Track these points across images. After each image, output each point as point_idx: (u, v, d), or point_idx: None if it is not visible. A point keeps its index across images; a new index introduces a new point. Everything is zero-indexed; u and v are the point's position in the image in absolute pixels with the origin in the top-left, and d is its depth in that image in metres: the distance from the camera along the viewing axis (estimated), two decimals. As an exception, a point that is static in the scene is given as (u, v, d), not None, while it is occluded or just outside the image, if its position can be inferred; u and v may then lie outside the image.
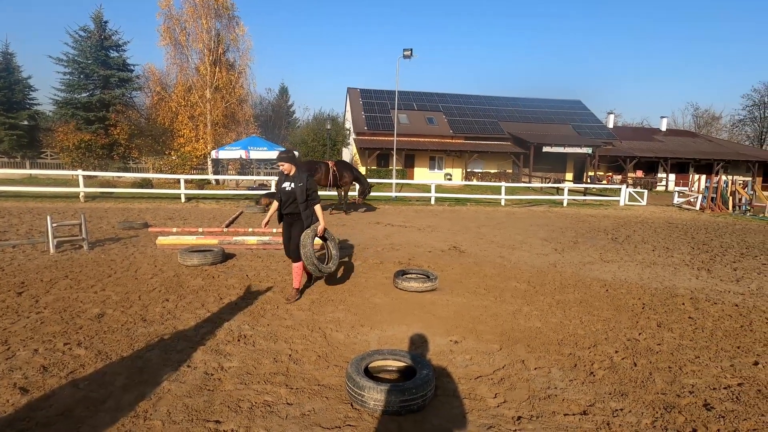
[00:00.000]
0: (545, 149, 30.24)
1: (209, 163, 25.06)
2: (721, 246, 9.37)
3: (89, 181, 17.31)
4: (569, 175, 33.87)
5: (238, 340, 3.75)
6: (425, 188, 22.54)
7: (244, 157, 19.37)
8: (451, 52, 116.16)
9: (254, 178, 21.63)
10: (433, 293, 5.23)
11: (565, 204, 18.42)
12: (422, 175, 31.66)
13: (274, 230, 9.23)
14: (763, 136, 55.55)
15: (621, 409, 2.82)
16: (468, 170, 31.81)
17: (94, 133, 26.65)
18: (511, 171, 32.18)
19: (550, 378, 3.24)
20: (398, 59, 21.97)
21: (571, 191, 21.26)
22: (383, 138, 30.37)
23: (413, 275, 5.63)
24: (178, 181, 15.80)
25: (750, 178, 29.60)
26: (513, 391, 3.04)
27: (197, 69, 24.71)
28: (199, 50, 24.45)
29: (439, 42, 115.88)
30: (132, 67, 30.74)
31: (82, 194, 14.55)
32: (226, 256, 6.64)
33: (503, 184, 18.65)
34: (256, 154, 18.99)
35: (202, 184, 21.12)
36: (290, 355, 3.49)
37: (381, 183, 23.44)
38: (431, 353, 3.63)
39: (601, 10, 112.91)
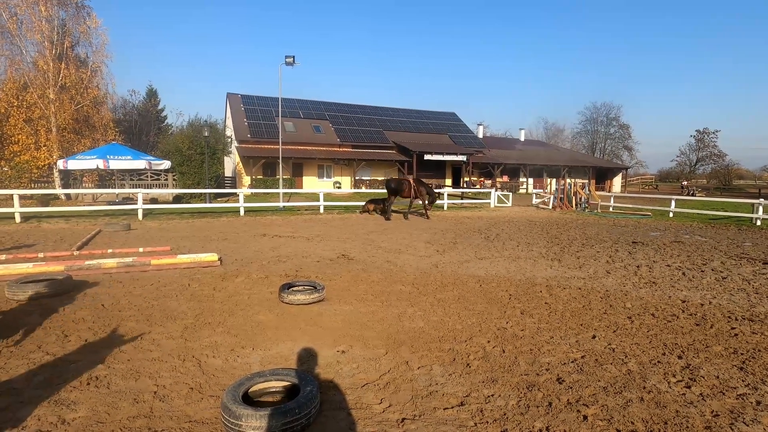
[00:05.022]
0: (426, 157, 32.38)
1: (56, 175, 21.25)
2: (568, 239, 11.05)
3: None
4: (448, 181, 36.78)
5: (88, 384, 3.17)
6: (314, 197, 22.30)
7: (101, 167, 16.83)
8: (335, 60, 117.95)
9: (116, 191, 18.92)
10: (320, 304, 5.13)
11: (445, 208, 19.89)
12: (311, 184, 31.30)
13: (141, 249, 8.18)
14: (594, 146, 67.72)
15: (492, 395, 3.07)
16: (357, 178, 32.42)
17: None
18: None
19: (432, 375, 3.39)
20: (280, 66, 21.43)
21: (450, 196, 23.05)
22: (268, 146, 29.29)
23: (300, 287, 5.45)
24: (11, 197, 13.03)
25: (587, 181, 35.65)
26: (398, 393, 3.10)
27: (35, 63, 20.79)
28: (38, 42, 20.60)
29: (322, 49, 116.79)
30: (-61, 57, 24.61)
31: None
32: (75, 285, 5.62)
33: (389, 190, 19.38)
34: (118, 163, 16.65)
35: (47, 200, 17.80)
36: (155, 392, 3.06)
37: (268, 193, 22.54)
38: (318, 367, 3.53)
39: (470, 38, 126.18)
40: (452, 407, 2.91)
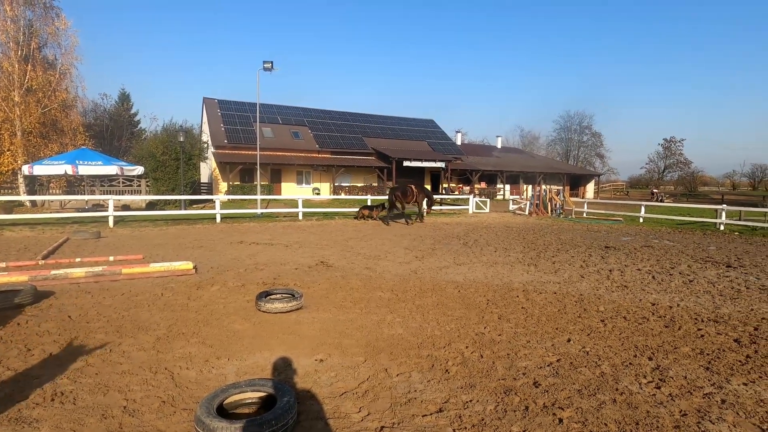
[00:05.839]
0: (405, 163, 32.58)
1: (21, 180, 20.38)
2: (544, 244, 11.28)
3: None
4: (427, 187, 37.05)
5: (52, 400, 3.02)
6: (293, 203, 22.09)
7: (70, 172, 16.23)
8: (314, 66, 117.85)
9: (86, 197, 18.27)
10: (298, 312, 5.06)
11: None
12: (290, 190, 31.01)
13: (111, 258, 7.91)
14: (568, 153, 69.62)
15: (470, 401, 3.09)
16: (336, 184, 32.30)
17: None
18: (376, 184, 33.75)
19: (411, 382, 3.38)
20: (258, 71, 21.22)
21: (429, 202, 23.23)
22: (246, 152, 28.89)
23: (277, 295, 5.38)
24: (-29, 204, 12.42)
25: (561, 187, 36.57)
26: (376, 401, 3.08)
27: (-1, 65, 19.99)
28: (2, 42, 19.82)
29: (302, 54, 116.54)
30: None
31: None
32: (39, 296, 5.38)
33: (369, 197, 19.43)
34: (88, 169, 16.10)
35: (11, 207, 17.04)
36: (125, 407, 2.95)
37: (245, 200, 22.16)
38: (296, 376, 3.48)
39: (446, 48, 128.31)
40: (431, 414, 2.91)
